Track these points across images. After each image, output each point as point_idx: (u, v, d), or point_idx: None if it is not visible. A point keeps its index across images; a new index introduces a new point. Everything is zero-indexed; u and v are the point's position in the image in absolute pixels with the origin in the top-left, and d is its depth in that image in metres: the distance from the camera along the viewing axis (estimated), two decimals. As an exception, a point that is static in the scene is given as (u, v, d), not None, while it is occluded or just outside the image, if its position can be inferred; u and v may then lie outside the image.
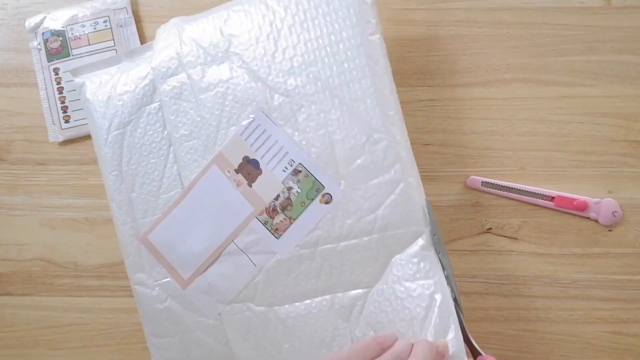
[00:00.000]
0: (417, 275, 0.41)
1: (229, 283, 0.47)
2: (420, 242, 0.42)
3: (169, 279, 0.48)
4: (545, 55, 0.52)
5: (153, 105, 0.48)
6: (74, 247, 0.55)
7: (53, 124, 0.55)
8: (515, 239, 0.51)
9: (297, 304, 0.45)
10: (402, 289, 0.42)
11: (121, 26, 0.54)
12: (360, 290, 0.44)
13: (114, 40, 0.54)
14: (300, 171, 0.44)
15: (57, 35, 0.54)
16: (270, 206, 0.45)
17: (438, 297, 0.41)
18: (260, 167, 0.45)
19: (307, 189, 0.44)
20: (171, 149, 0.48)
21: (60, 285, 0.55)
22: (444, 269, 0.42)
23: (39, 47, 0.54)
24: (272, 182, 0.45)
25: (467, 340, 0.41)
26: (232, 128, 0.45)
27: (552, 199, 0.50)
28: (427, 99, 0.52)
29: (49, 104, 0.55)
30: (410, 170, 0.43)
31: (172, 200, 0.48)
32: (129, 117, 0.48)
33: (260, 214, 0.45)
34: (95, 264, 0.55)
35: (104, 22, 0.54)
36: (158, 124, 0.48)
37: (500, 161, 0.52)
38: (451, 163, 0.52)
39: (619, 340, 0.50)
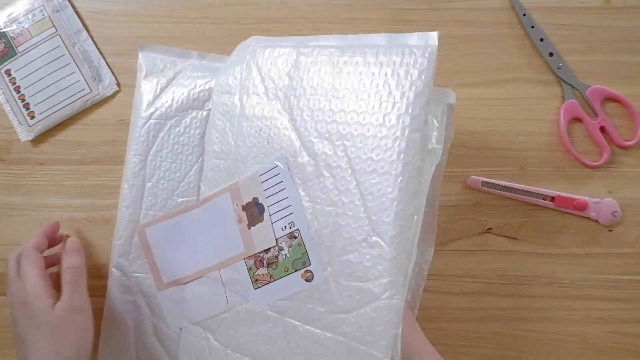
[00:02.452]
0: None
1: (201, 305, 0.47)
2: None
3: (148, 275, 0.49)
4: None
5: (202, 112, 0.49)
6: (74, 247, 0.55)
7: (20, 124, 0.55)
8: (515, 239, 0.51)
9: (246, 359, 0.45)
10: None
11: (58, 11, 0.55)
12: None
13: (54, 26, 0.54)
14: (296, 237, 0.42)
15: (0, 38, 0.55)
16: (259, 256, 0.44)
17: None
18: (264, 214, 0.44)
19: (295, 257, 0.43)
20: (201, 159, 0.49)
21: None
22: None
23: None
24: (268, 234, 0.44)
25: None
26: (257, 165, 0.44)
27: (552, 199, 0.50)
28: (427, 99, 0.52)
29: (11, 107, 0.55)
30: (396, 292, 0.38)
31: (183, 206, 0.49)
32: (175, 112, 0.49)
33: (249, 258, 0.45)
34: (95, 264, 0.54)
35: (40, 12, 0.55)
36: (198, 131, 0.49)
37: (500, 161, 0.52)
38: (451, 163, 0.52)
39: (619, 340, 0.50)
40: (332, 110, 0.41)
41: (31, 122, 0.55)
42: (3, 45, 0.55)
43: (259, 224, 0.44)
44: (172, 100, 0.49)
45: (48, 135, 0.55)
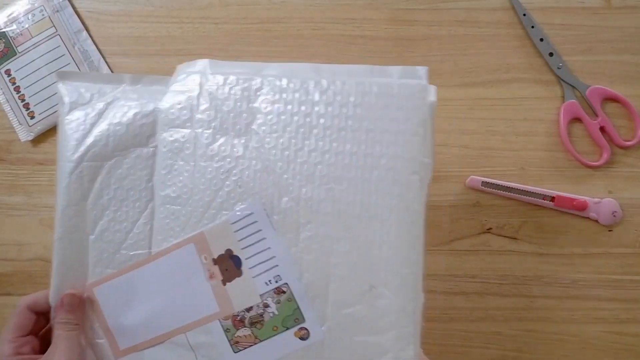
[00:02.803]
0: None
1: None
2: None
3: (103, 340, 0.42)
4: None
5: (146, 150, 0.41)
6: (74, 247, 0.55)
7: (20, 124, 0.55)
8: (515, 239, 0.51)
9: None
10: None
11: (58, 11, 0.55)
12: None
13: (54, 26, 0.55)
14: (284, 292, 0.38)
15: (0, 38, 0.55)
16: (238, 315, 0.39)
17: None
18: (242, 268, 0.39)
19: (285, 314, 0.38)
20: (150, 204, 0.41)
21: (60, 285, 0.55)
22: None
23: None
24: (249, 291, 0.39)
25: None
26: (225, 212, 0.39)
27: (552, 199, 0.50)
28: (427, 99, 0.52)
29: (11, 106, 0.55)
30: (407, 343, 0.36)
31: (134, 261, 0.41)
32: (112, 152, 0.41)
33: (226, 319, 0.39)
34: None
35: (40, 12, 0.55)
36: (145, 172, 0.41)
37: (500, 161, 0.52)
38: (451, 163, 0.52)
39: (619, 340, 0.50)
40: (311, 150, 0.38)
41: (31, 122, 0.55)
42: (3, 45, 0.55)
43: (237, 279, 0.39)
44: (108, 137, 0.41)
45: (48, 135, 0.55)
